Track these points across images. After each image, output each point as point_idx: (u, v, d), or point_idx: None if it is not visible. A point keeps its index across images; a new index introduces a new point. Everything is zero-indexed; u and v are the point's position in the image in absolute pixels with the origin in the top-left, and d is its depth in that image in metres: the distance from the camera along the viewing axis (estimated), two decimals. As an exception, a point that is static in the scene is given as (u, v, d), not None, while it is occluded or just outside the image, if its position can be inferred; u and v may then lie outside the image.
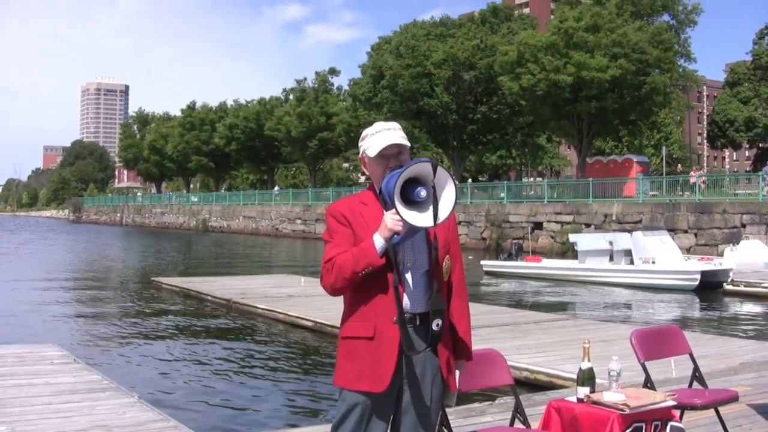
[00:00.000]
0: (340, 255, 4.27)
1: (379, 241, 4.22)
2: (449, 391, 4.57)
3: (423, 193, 4.12)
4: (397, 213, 4.08)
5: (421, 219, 4.12)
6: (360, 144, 4.57)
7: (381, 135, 4.42)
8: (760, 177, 43.51)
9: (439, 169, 4.13)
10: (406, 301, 4.33)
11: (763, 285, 27.03)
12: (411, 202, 4.11)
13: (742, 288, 27.44)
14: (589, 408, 5.65)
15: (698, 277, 28.00)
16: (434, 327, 4.33)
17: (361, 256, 4.22)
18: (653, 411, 5.72)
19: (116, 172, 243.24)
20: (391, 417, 4.44)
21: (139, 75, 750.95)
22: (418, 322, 4.37)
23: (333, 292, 4.34)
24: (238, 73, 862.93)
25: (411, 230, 4.23)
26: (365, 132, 4.53)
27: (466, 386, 5.93)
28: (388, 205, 4.27)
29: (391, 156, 4.39)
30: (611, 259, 31.54)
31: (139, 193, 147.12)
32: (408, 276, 4.37)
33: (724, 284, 27.89)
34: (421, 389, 4.41)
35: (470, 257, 44.55)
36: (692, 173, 56.43)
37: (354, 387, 4.33)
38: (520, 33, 66.81)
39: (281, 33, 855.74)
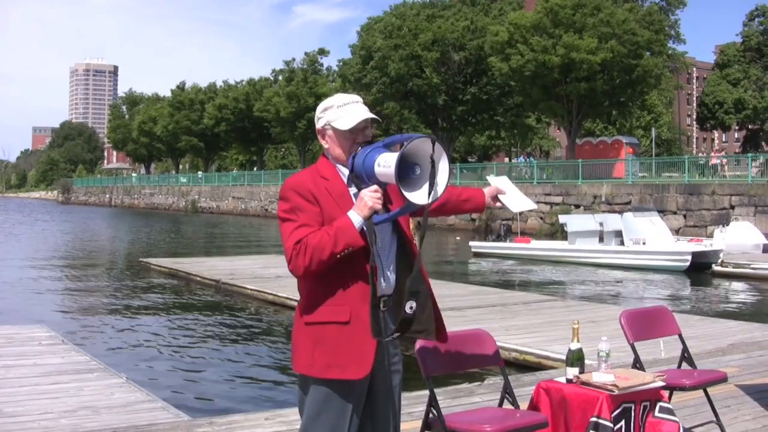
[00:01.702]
0: (311, 235, 4.03)
1: (357, 219, 4.04)
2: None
3: (418, 170, 3.99)
4: (399, 191, 3.90)
5: (418, 196, 3.97)
6: (320, 115, 4.32)
7: (351, 108, 4.24)
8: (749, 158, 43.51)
9: (437, 144, 3.95)
10: (381, 283, 4.20)
11: (752, 266, 27.11)
12: (402, 179, 3.92)
13: (731, 269, 27.50)
14: (578, 389, 5.64)
15: (689, 258, 28.06)
16: (407, 309, 4.08)
17: (340, 235, 4.00)
18: (642, 392, 5.71)
19: (105, 153, 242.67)
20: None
21: (129, 56, 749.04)
22: (392, 304, 4.25)
23: (305, 275, 4.10)
24: (227, 53, 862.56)
25: (406, 207, 4.10)
26: (328, 103, 4.31)
27: (455, 367, 5.92)
28: (362, 182, 4.11)
29: (359, 131, 4.22)
30: (601, 240, 31.58)
31: (134, 174, 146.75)
32: (379, 256, 4.22)
33: (713, 265, 27.94)
34: (390, 371, 4.33)
35: (458, 238, 44.67)
36: (713, 154, 55.90)
37: (330, 375, 4.11)
38: (510, 14, 66.74)
39: (270, 13, 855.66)
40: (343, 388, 4.14)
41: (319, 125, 4.33)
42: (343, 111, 4.23)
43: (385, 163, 3.94)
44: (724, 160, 49.99)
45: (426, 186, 3.97)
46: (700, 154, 68.36)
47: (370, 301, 4.08)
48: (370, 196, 4.03)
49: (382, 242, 4.24)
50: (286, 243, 4.10)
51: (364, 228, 4.06)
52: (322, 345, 4.13)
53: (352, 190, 4.20)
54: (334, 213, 4.11)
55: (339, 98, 4.32)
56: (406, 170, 3.95)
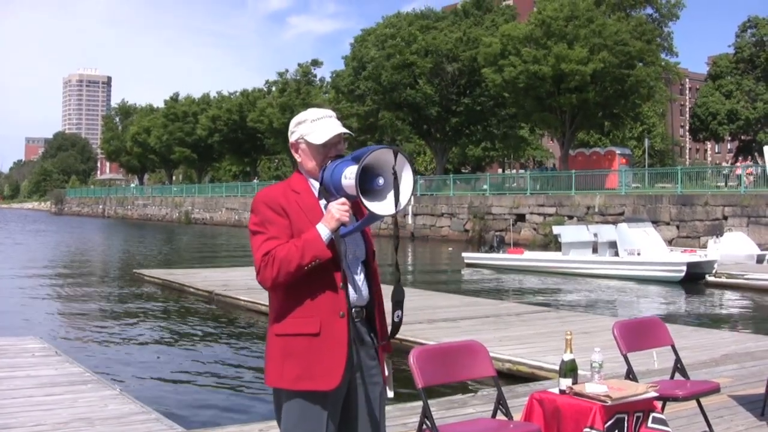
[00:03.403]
0: (280, 247, 4.08)
1: (324, 231, 4.08)
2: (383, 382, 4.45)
3: (381, 181, 4.02)
4: (361, 202, 3.94)
5: (382, 207, 4.00)
6: (293, 129, 4.37)
7: (324, 122, 4.29)
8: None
9: (400, 155, 4.00)
10: (352, 294, 4.23)
11: (745, 277, 27.14)
12: (367, 190, 3.97)
13: (724, 280, 27.52)
14: (571, 399, 5.65)
15: (684, 268, 28.13)
16: (395, 318, 4.25)
17: (308, 248, 4.05)
18: (635, 402, 5.73)
19: (98, 164, 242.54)
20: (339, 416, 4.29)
21: (122, 66, 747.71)
22: (364, 315, 4.32)
23: (273, 287, 4.14)
24: (221, 64, 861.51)
25: (370, 218, 4.12)
26: (302, 117, 4.36)
27: (449, 378, 5.93)
28: (330, 195, 4.15)
29: (331, 145, 4.26)
30: (595, 250, 31.62)
31: (132, 185, 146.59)
32: (350, 268, 4.27)
33: (707, 276, 27.97)
34: (368, 384, 4.31)
35: (450, 249, 44.70)
36: (738, 164, 55.07)
37: (301, 387, 4.14)
38: (503, 25, 66.86)
39: (264, 24, 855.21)
40: (316, 399, 4.15)
41: (292, 139, 4.38)
42: (316, 125, 4.28)
43: (351, 176, 3.97)
44: (749, 170, 49.34)
45: (390, 197, 4.02)
46: (724, 164, 67.61)
47: (347, 313, 4.11)
48: (337, 209, 4.07)
49: (353, 254, 4.29)
50: (255, 255, 4.14)
51: (334, 240, 4.09)
52: (292, 357, 4.15)
53: (323, 203, 4.23)
54: (303, 226, 4.15)
55: (312, 113, 4.37)
56: (369, 181, 3.99)
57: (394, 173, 3.99)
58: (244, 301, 20.78)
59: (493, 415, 6.03)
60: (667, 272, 28.64)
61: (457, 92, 71.78)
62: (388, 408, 6.21)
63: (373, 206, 3.97)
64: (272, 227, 4.16)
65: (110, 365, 14.40)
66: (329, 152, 4.25)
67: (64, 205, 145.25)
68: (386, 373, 4.46)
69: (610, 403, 5.52)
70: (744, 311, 23.49)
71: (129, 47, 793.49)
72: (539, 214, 49.98)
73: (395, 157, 3.99)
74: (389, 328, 4.35)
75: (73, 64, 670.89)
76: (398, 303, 4.25)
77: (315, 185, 4.29)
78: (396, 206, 4.01)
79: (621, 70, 57.88)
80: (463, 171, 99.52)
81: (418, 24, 74.97)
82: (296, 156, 4.37)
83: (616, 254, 30.52)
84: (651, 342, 7.57)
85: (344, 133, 4.29)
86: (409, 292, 20.63)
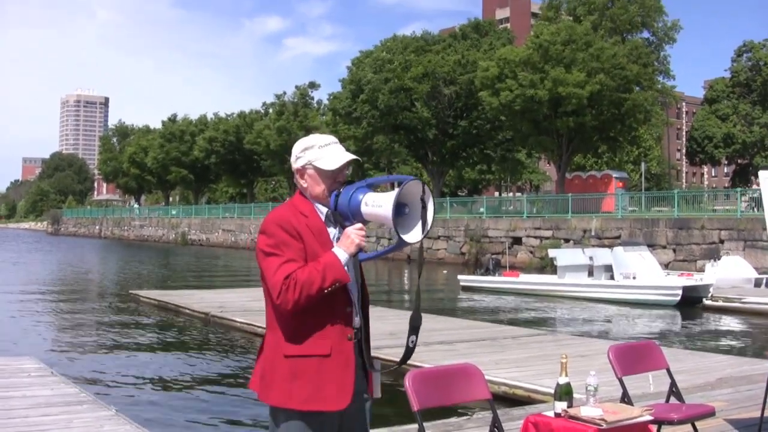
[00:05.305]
0: (300, 270, 4.11)
1: (343, 256, 4.17)
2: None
3: (407, 210, 4.18)
4: (394, 230, 4.10)
5: (411, 235, 4.19)
6: (299, 155, 4.41)
7: (333, 148, 4.38)
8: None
9: (426, 186, 4.17)
10: (357, 318, 4.36)
11: (742, 300, 27.15)
12: (394, 219, 4.10)
13: (721, 303, 27.51)
14: (566, 423, 5.65)
15: (680, 292, 28.07)
16: (410, 343, 4.34)
17: (328, 271, 4.10)
18: (630, 426, 5.73)
19: (95, 185, 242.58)
20: None
21: (119, 87, 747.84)
22: (362, 336, 4.39)
23: (294, 309, 4.13)
24: (217, 85, 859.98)
25: (398, 245, 4.30)
26: (308, 143, 4.42)
27: (444, 401, 5.93)
28: (346, 220, 4.27)
29: (339, 171, 4.34)
30: (591, 274, 31.58)
31: (135, 205, 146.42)
32: (353, 292, 4.37)
33: (704, 299, 27.95)
34: (361, 402, 4.38)
35: (445, 272, 44.68)
36: None
37: (311, 407, 4.18)
38: (500, 49, 67.07)
39: (261, 45, 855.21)
40: (321, 420, 4.21)
41: (297, 165, 4.42)
42: (324, 151, 4.36)
43: (373, 203, 4.14)
44: None
45: (418, 225, 4.18)
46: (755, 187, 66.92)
47: (354, 335, 4.27)
48: (357, 234, 4.20)
49: (354, 278, 4.37)
50: (274, 278, 4.15)
51: (349, 265, 4.21)
52: (303, 377, 4.19)
53: (330, 228, 4.34)
54: (315, 249, 4.22)
55: (319, 139, 4.45)
56: (396, 210, 4.11)
57: (423, 203, 4.19)
58: (240, 322, 20.74)
59: (489, 438, 6.03)
60: (663, 296, 28.62)
61: (454, 115, 71.97)
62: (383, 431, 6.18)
63: (404, 235, 4.17)
64: (288, 250, 4.19)
65: (106, 386, 14.38)
66: (338, 177, 4.35)
67: (61, 225, 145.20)
68: (374, 378, 4.50)
69: (605, 426, 5.52)
70: (740, 335, 23.47)
71: (126, 68, 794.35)
72: (536, 237, 50.03)
73: (423, 188, 4.19)
74: (403, 351, 4.42)
75: (71, 84, 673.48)
76: (415, 329, 4.38)
77: (320, 209, 4.37)
78: (423, 233, 4.19)
79: (618, 93, 58.09)
80: (459, 194, 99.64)
81: (414, 46, 75.17)
82: (302, 181, 4.42)
83: (612, 278, 30.47)
84: (646, 365, 7.58)
85: (353, 159, 4.38)
86: (405, 315, 20.57)
